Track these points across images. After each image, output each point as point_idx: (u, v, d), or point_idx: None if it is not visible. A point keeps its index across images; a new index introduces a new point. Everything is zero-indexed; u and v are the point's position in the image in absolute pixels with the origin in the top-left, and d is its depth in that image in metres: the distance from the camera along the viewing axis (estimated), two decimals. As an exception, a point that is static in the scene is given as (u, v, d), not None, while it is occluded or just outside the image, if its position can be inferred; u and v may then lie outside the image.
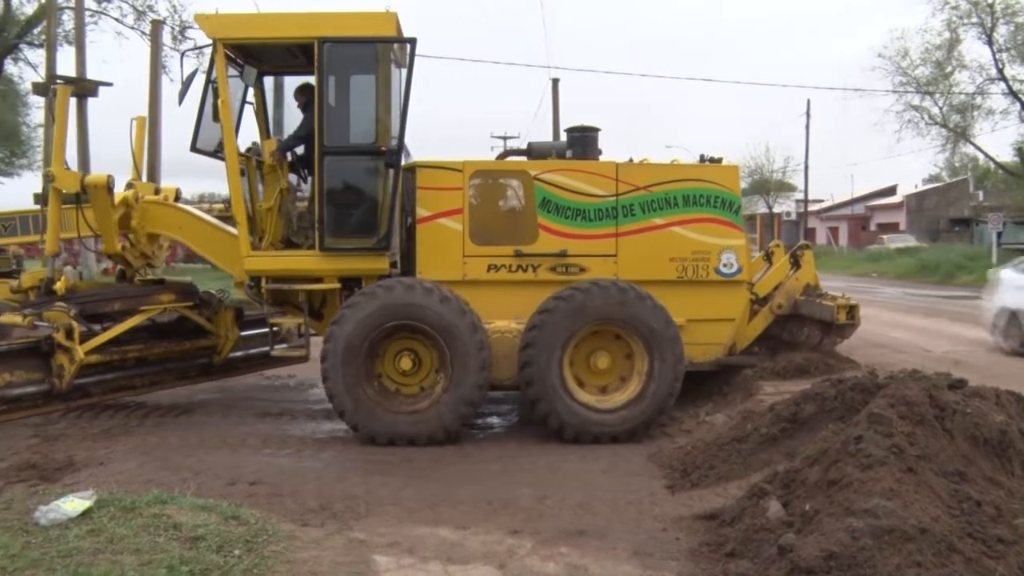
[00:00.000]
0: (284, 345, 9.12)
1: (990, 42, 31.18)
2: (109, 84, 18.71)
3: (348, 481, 6.42)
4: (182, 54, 8.68)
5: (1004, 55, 31.25)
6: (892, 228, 52.60)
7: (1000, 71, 31.41)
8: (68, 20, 22.73)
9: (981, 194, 52.03)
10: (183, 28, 23.84)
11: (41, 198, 8.51)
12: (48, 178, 8.50)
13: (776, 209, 60.54)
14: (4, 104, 24.65)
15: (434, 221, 8.07)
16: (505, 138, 45.85)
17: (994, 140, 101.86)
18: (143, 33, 24.47)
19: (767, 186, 58.99)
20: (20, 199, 8.78)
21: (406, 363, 7.70)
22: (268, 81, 9.15)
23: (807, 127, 51.73)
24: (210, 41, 7.98)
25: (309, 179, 8.32)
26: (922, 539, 3.84)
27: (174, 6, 24.99)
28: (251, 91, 8.94)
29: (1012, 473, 4.61)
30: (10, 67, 26.17)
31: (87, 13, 22.18)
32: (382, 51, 7.90)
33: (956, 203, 51.87)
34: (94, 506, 4.85)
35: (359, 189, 8.16)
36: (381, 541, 5.07)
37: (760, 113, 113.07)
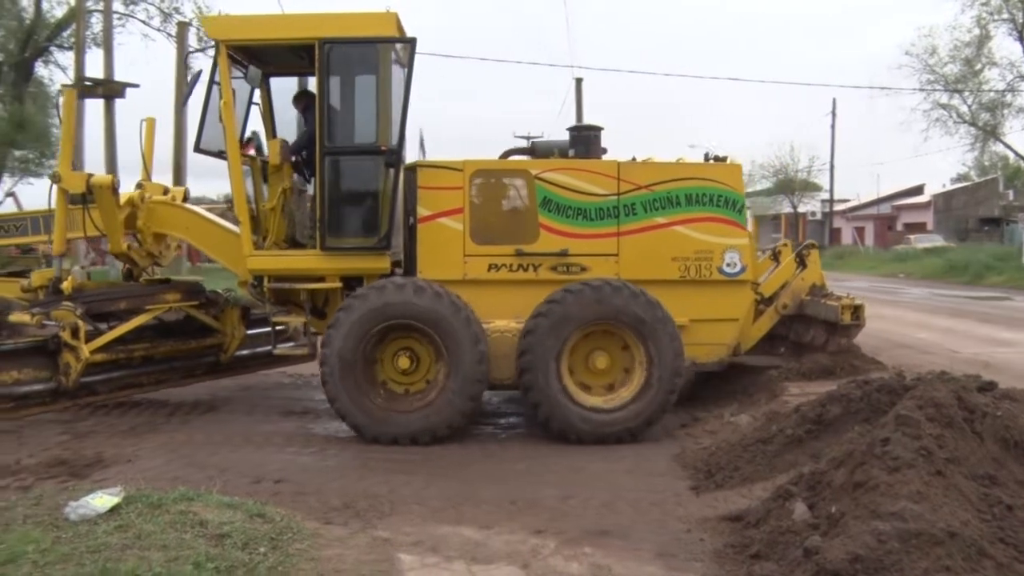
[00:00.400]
0: (290, 344, 9.16)
1: (1021, 38, 30.76)
2: (136, 85, 18.95)
3: (371, 480, 6.45)
4: (186, 56, 8.76)
5: (1035, 51, 30.84)
6: (919, 228, 52.03)
7: (1031, 68, 31.01)
8: (96, 23, 23.03)
9: (1011, 193, 51.30)
10: (208, 29, 24.03)
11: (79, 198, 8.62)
12: (55, 179, 8.65)
13: (801, 209, 60.07)
14: (34, 106, 24.96)
15: (435, 220, 8.06)
16: (528, 138, 45.67)
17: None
18: (169, 35, 24.76)
19: (792, 186, 58.54)
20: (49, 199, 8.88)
21: (403, 362, 7.75)
22: (281, 82, 9.21)
23: (832, 126, 51.44)
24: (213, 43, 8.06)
25: (312, 179, 8.36)
26: (951, 543, 3.79)
27: (200, 8, 25.25)
28: (258, 92, 9.01)
29: (1044, 477, 4.55)
30: (40, 69, 26.58)
31: (115, 16, 22.50)
32: (382, 51, 7.94)
33: (985, 202, 51.17)
34: (122, 502, 4.90)
35: (359, 189, 8.22)
36: (405, 540, 5.08)
37: (785, 112, 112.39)
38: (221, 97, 8.05)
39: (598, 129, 8.74)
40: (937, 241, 41.95)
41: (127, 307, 8.61)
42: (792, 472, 5.60)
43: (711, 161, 8.44)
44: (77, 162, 19.49)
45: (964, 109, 33.59)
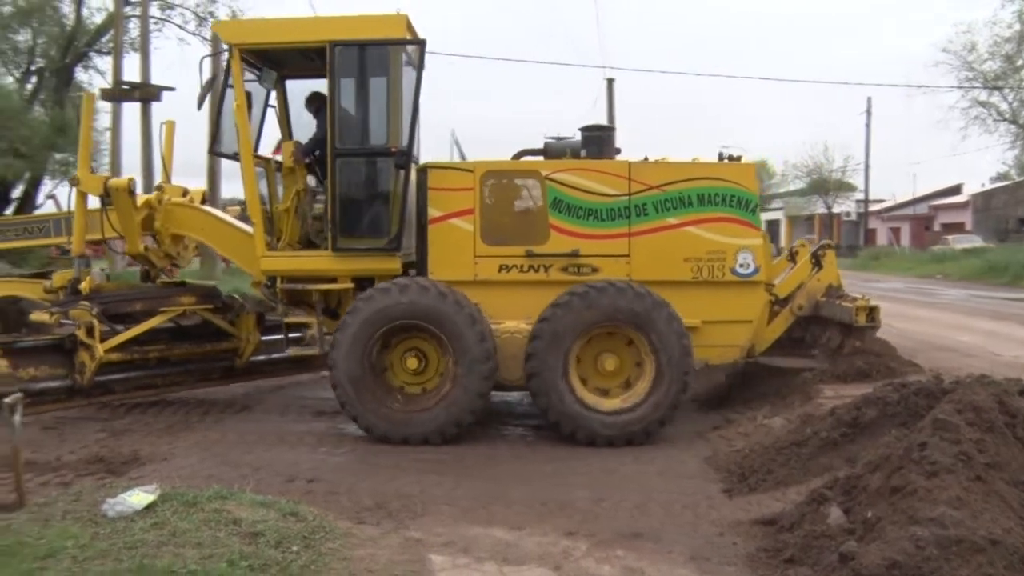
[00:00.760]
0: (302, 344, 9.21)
1: (1063, 34, 30.18)
2: (172, 89, 19.21)
3: (403, 480, 6.48)
4: (201, 60, 8.91)
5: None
6: (957, 228, 51.13)
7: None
8: (134, 28, 23.36)
9: (1054, 192, 50.23)
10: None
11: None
12: (73, 182, 8.83)
13: (835, 209, 59.40)
14: (74, 110, 25.39)
15: (446, 221, 8.07)
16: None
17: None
18: (204, 39, 25.10)
19: (826, 186, 57.91)
20: (89, 200, 9.06)
21: (412, 362, 7.80)
22: (299, 85, 9.28)
23: (867, 125, 50.75)
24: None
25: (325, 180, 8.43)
26: (993, 551, 3.72)
27: (234, 12, 25.55)
28: (274, 95, 9.14)
29: (1088, 483, 4.45)
30: (80, 74, 27.01)
31: (151, 21, 22.83)
32: (392, 53, 7.98)
33: (1026, 202, 50.16)
34: (158, 500, 4.96)
35: (370, 190, 8.25)
36: (436, 540, 5.09)
37: (819, 111, 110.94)
38: (235, 100, 8.17)
39: (610, 129, 8.72)
40: (976, 241, 41.21)
41: (142, 309, 8.76)
42: (827, 476, 5.53)
43: (725, 161, 8.37)
44: (116, 165, 19.84)
45: (1004, 106, 33.08)
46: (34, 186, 24.47)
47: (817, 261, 9.13)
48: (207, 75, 8.62)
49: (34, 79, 26.18)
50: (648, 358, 7.61)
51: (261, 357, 9.77)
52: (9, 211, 22.36)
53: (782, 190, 66.90)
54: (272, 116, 9.33)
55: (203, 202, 9.76)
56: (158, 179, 9.96)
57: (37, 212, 10.39)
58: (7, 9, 24.89)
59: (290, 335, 8.80)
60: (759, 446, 6.75)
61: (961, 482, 4.19)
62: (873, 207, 57.25)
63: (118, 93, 20.28)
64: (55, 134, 23.55)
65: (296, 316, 8.44)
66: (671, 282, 7.92)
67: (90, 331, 7.99)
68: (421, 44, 8.07)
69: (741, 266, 8.03)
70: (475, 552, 4.92)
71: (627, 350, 7.77)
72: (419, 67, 8.03)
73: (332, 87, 7.88)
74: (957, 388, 5.30)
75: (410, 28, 8.14)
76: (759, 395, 8.57)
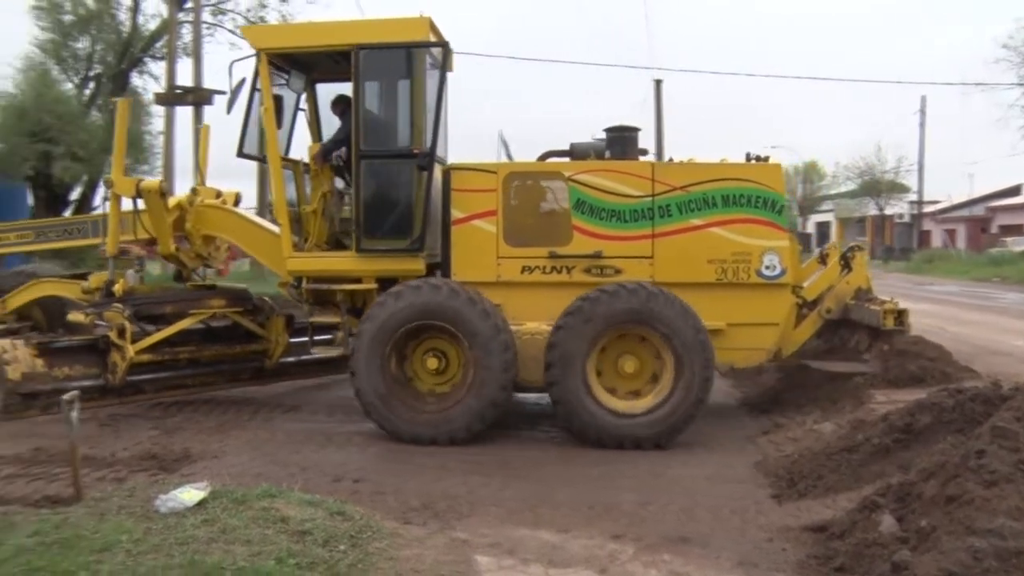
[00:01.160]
0: (327, 344, 9.32)
1: None
2: (224, 92, 19.55)
3: (449, 481, 6.50)
4: (230, 64, 9.13)
5: None
6: (1016, 230, 49.74)
7: None
8: (187, 33, 23.83)
9: (1116, 193, 48.73)
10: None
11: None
12: (108, 184, 9.10)
13: (888, 211, 58.27)
14: (130, 114, 26.01)
15: (469, 223, 8.10)
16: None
17: None
18: (255, 43, 25.44)
19: (878, 187, 56.85)
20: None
21: (432, 363, 7.84)
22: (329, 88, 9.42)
23: (922, 124, 49.74)
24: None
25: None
26: (1054, 563, 3.60)
27: (284, 16, 25.90)
28: (304, 98, 9.30)
29: None
30: (135, 79, 27.61)
31: (204, 26, 23.29)
32: (416, 55, 8.05)
33: (1088, 203, 48.69)
34: (208, 497, 5.04)
35: (393, 192, 8.28)
36: (482, 541, 5.10)
37: (872, 112, 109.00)
38: (262, 103, 8.32)
39: (635, 130, 8.64)
40: (1035, 244, 40.12)
41: (172, 311, 8.96)
42: (879, 483, 5.41)
43: (753, 161, 8.26)
44: (169, 167, 20.26)
45: (1067, 105, 32.01)
46: (91, 189, 25.05)
47: (846, 263, 8.98)
48: (236, 79, 8.79)
49: (92, 85, 26.82)
50: (668, 360, 7.54)
51: (291, 359, 9.94)
52: (67, 213, 22.92)
53: (833, 192, 65.89)
54: (303, 119, 9.49)
55: (236, 204, 9.95)
56: (221, 182, 10.18)
57: (93, 213, 10.78)
58: (68, 18, 25.56)
59: (322, 336, 8.98)
60: (809, 451, 6.64)
61: (1021, 492, 4.07)
62: (927, 208, 56.03)
63: (171, 97, 20.74)
64: (111, 138, 24.11)
65: (322, 316, 8.57)
66: (695, 284, 7.87)
67: (121, 333, 8.19)
68: (444, 46, 8.15)
69: (767, 268, 7.93)
70: (521, 554, 4.91)
71: (648, 353, 7.72)
72: (443, 69, 8.08)
73: (356, 90, 8.00)
74: (1016, 395, 5.15)
75: (434, 30, 8.21)
76: (809, 399, 8.43)
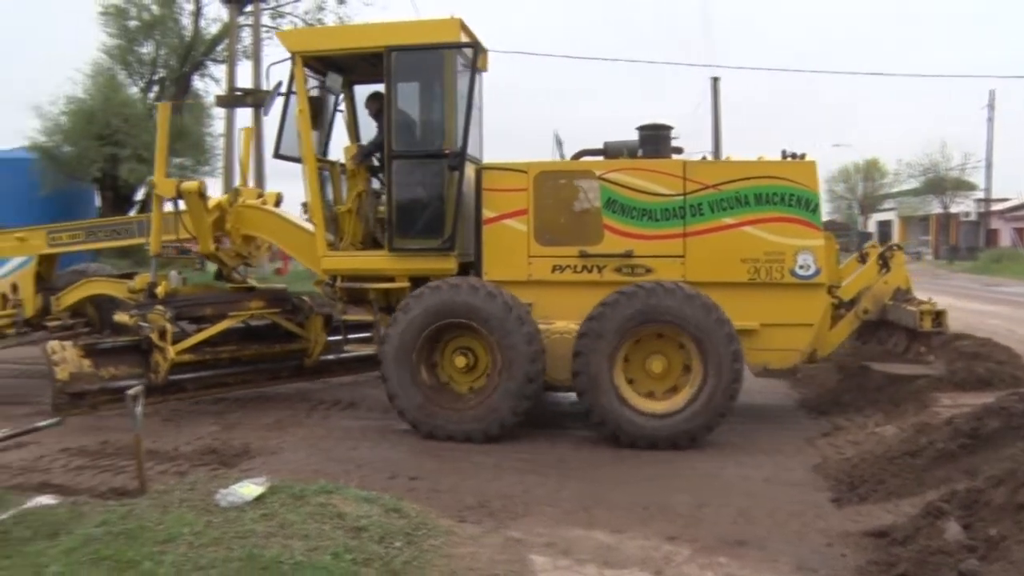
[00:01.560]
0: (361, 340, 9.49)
1: None
2: (282, 94, 19.90)
3: (504, 480, 6.51)
4: (268, 67, 9.30)
5: None
6: (1089, 229, 48.01)
7: None
8: (246, 37, 24.32)
9: None
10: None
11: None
12: (150, 186, 9.26)
13: (953, 209, 56.70)
14: (191, 116, 26.63)
15: (500, 222, 8.11)
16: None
17: None
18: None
19: (943, 185, 55.36)
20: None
21: (460, 361, 7.90)
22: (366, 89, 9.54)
23: (990, 120, 48.30)
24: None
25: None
26: None
27: (341, 18, 26.25)
28: (342, 99, 9.44)
29: None
30: (197, 82, 28.28)
31: (263, 29, 23.73)
32: (447, 56, 8.10)
33: None
34: (267, 492, 5.12)
35: (424, 191, 8.35)
36: (537, 541, 5.09)
37: (936, 107, 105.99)
38: (297, 106, 8.49)
39: (668, 128, 8.55)
40: (1111, 243, 38.62)
41: (212, 312, 9.20)
42: (944, 489, 5.26)
43: (788, 159, 8.10)
44: (229, 168, 20.66)
45: None
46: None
47: (885, 263, 8.76)
48: (274, 83, 9.01)
49: (156, 88, 27.54)
50: (696, 361, 7.47)
51: (330, 356, 10.13)
52: (132, 213, 23.57)
53: (895, 190, 64.38)
54: (341, 120, 9.64)
55: (277, 204, 10.16)
56: (276, 183, 10.45)
57: (140, 214, 11.22)
58: (133, 23, 26.28)
59: (361, 334, 9.15)
60: (870, 455, 6.49)
61: (1095, 499, 3.92)
62: (996, 207, 54.39)
63: (231, 99, 21.18)
64: (174, 139, 24.72)
65: (355, 314, 8.73)
66: (727, 283, 7.77)
67: (163, 334, 8.45)
68: (474, 47, 8.20)
69: (801, 267, 7.77)
70: (576, 554, 4.89)
71: (677, 353, 7.66)
72: (472, 69, 8.15)
73: (388, 91, 8.11)
74: (1090, 399, 4.97)
75: (465, 31, 8.25)
76: (870, 402, 8.24)
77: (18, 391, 9.80)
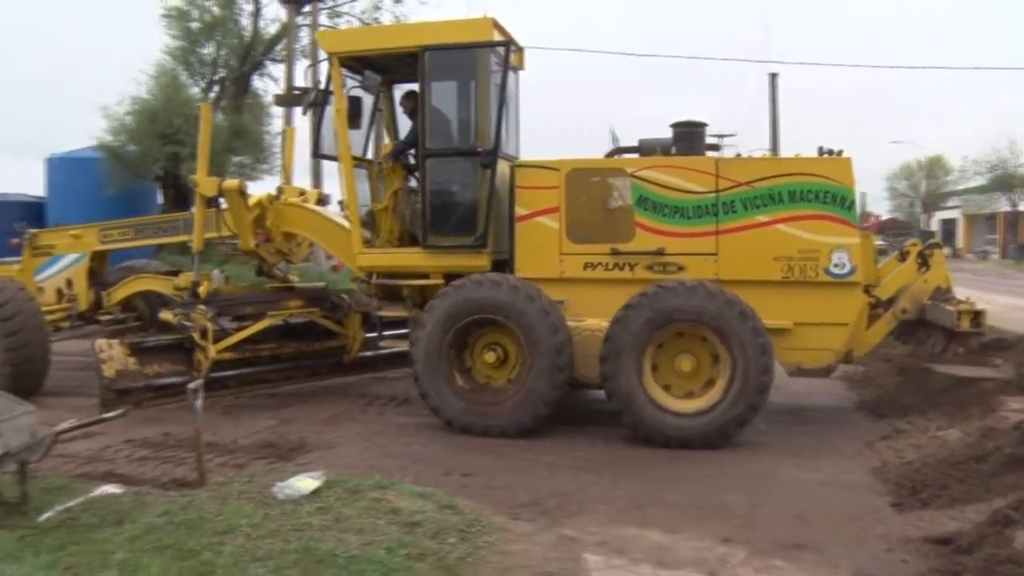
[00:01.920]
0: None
1: None
2: (332, 92, 20.19)
3: (558, 478, 6.50)
4: (306, 68, 9.49)
5: None
6: None
7: None
8: (305, 36, 24.64)
9: None
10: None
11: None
12: (193, 184, 9.57)
13: (1022, 207, 54.92)
14: (250, 115, 27.10)
15: (532, 219, 8.12)
16: (722, 136, 44.75)
17: None
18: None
19: (1011, 182, 53.66)
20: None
21: (490, 356, 7.96)
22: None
23: (1061, 115, 46.68)
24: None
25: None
26: None
27: (397, 17, 26.46)
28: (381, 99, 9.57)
29: None
30: (256, 81, 28.78)
31: (321, 29, 24.00)
32: (479, 55, 8.20)
33: None
34: (323, 486, 5.19)
35: (457, 189, 8.48)
36: (591, 540, 5.07)
37: (1005, 103, 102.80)
38: (334, 105, 8.65)
39: (702, 125, 8.46)
40: None
41: (252, 312, 9.44)
42: (1012, 496, 5.10)
43: (825, 156, 7.92)
44: (289, 167, 20.99)
45: None
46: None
47: (924, 261, 8.52)
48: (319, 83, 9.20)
49: (216, 88, 28.09)
50: (723, 357, 7.39)
51: (369, 352, 10.31)
52: (193, 210, 24.06)
53: (960, 187, 62.66)
54: (380, 119, 9.80)
55: (319, 203, 10.35)
56: (298, 180, 10.67)
57: (185, 212, 11.59)
58: (195, 25, 26.85)
59: (399, 331, 9.35)
60: (933, 459, 6.33)
61: None
62: (1069, 205, 52.52)
63: (289, 98, 21.50)
64: (234, 138, 25.21)
65: (390, 311, 8.87)
66: (760, 282, 7.67)
67: (204, 334, 8.66)
68: (506, 46, 8.22)
69: (836, 266, 7.62)
70: (630, 553, 4.87)
71: (705, 352, 7.59)
72: (504, 68, 8.18)
73: (423, 90, 8.25)
74: None
75: (499, 29, 8.32)
76: (933, 404, 8.03)
77: (82, 383, 10.08)
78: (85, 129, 38.84)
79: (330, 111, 8.93)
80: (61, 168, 24.30)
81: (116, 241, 10.86)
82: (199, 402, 5.77)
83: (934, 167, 64.74)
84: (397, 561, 4.35)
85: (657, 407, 7.42)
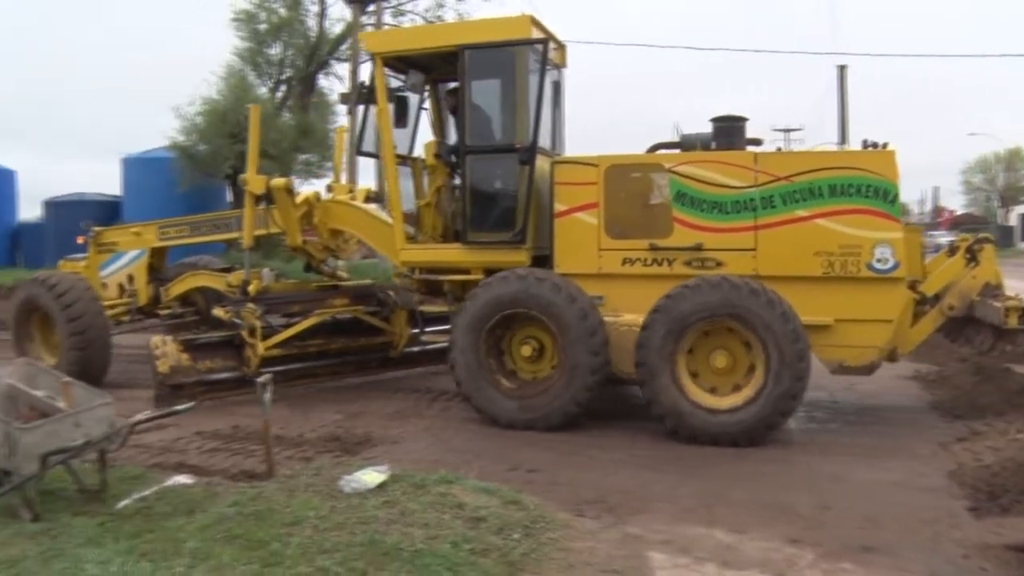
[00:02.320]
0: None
1: None
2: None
3: (622, 475, 6.46)
4: (351, 68, 9.63)
5: None
6: None
7: None
8: (370, 35, 24.89)
9: None
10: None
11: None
12: (243, 183, 9.80)
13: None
14: (316, 114, 27.52)
15: (571, 215, 8.12)
16: (787, 130, 44.12)
17: None
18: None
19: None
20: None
21: (526, 350, 8.04)
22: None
23: None
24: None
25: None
26: None
27: (460, 15, 26.57)
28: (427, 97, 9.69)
29: None
30: (322, 81, 29.21)
31: (385, 28, 24.27)
32: (518, 53, 8.27)
33: None
34: (389, 480, 5.26)
35: (497, 185, 8.57)
36: (656, 538, 5.03)
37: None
38: (377, 104, 8.78)
39: (742, 120, 8.32)
40: None
41: (299, 310, 9.71)
42: (1098, 502, 4.91)
43: (868, 149, 7.69)
44: (353, 164, 21.28)
45: None
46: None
47: (973, 256, 8.19)
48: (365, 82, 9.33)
49: (283, 88, 28.60)
50: (759, 357, 7.28)
51: (415, 348, 10.60)
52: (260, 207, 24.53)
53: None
54: (426, 117, 9.90)
55: (367, 200, 10.51)
56: (343, 178, 10.81)
57: (237, 210, 11.85)
58: (263, 27, 27.37)
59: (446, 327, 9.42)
60: (1013, 463, 6.10)
61: None
62: None
63: (356, 97, 21.80)
64: (300, 137, 25.66)
65: (431, 306, 9.04)
66: (800, 277, 7.53)
67: (252, 331, 8.90)
68: (544, 43, 8.25)
69: (878, 261, 7.41)
70: (695, 552, 4.81)
71: (741, 349, 7.48)
72: (542, 65, 8.21)
73: (463, 88, 8.37)
74: None
75: (538, 27, 8.36)
76: (1012, 406, 7.76)
77: (148, 376, 10.35)
78: (159, 130, 40.00)
79: (373, 109, 9.09)
80: (136, 168, 25.13)
81: (173, 238, 11.20)
82: (268, 395, 5.89)
83: (1013, 160, 62.65)
84: (461, 556, 4.37)
85: (689, 401, 7.40)
